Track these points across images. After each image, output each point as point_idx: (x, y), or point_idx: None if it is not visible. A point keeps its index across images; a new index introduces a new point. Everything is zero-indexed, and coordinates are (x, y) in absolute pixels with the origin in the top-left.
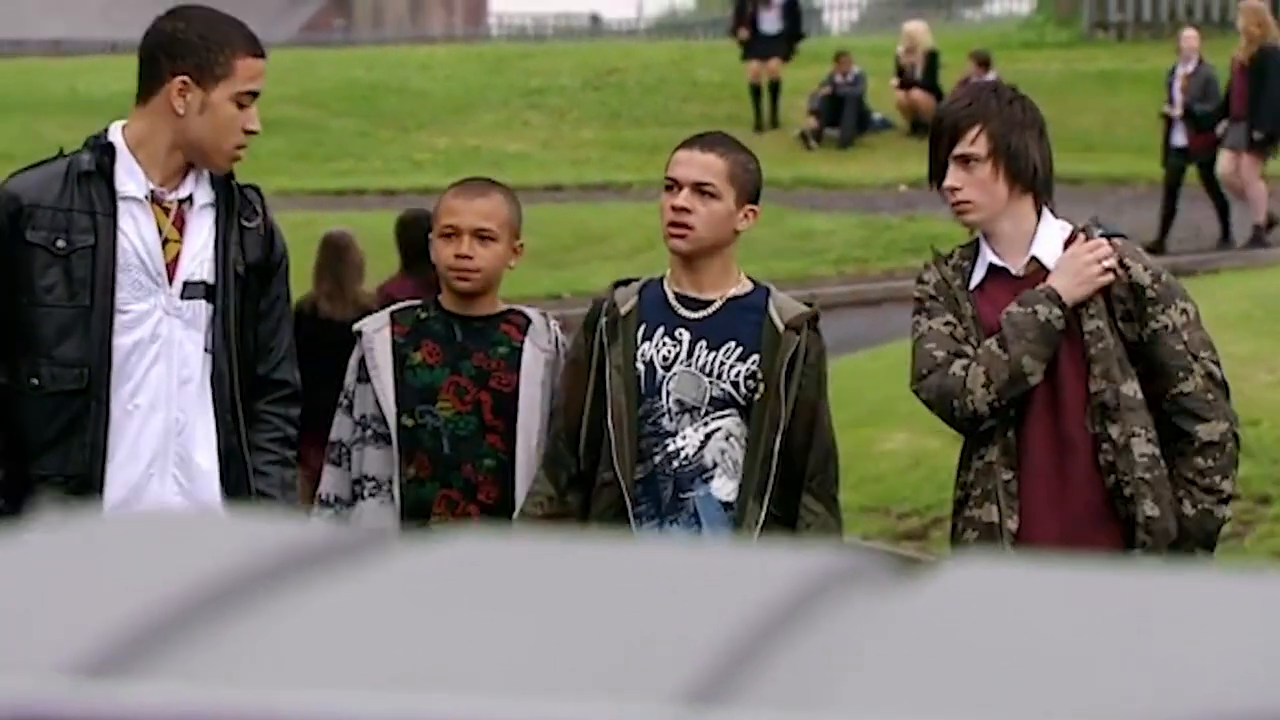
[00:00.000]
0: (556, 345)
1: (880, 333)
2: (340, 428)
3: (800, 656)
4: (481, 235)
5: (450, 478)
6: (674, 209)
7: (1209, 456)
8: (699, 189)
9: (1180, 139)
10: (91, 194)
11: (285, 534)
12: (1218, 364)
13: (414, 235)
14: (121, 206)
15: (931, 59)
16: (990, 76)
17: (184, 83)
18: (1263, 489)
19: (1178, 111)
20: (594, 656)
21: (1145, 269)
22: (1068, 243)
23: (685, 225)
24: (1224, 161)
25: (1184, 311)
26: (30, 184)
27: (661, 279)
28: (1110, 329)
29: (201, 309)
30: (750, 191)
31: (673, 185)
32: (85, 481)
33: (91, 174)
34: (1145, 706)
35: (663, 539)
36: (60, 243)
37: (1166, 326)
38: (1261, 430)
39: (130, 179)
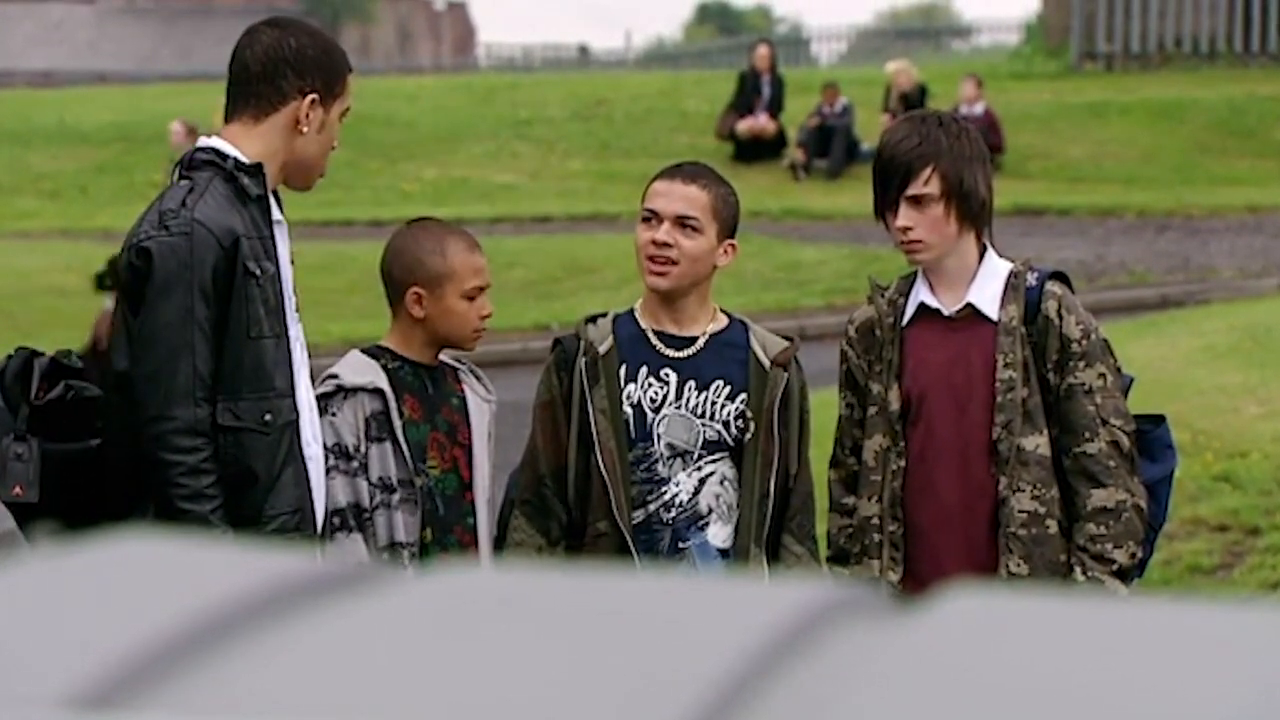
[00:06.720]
0: (490, 391)
1: None
2: (350, 491)
3: (798, 689)
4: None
5: (446, 540)
6: (655, 244)
7: (1101, 523)
8: (681, 222)
9: None
10: (257, 218)
11: (282, 566)
12: (1128, 435)
13: None
14: (276, 229)
15: (921, 92)
16: (980, 104)
17: (314, 100)
18: (1252, 520)
19: None
20: (590, 690)
21: (1077, 323)
22: (1007, 282)
23: (667, 261)
24: None
25: (1102, 375)
26: (222, 212)
27: (630, 313)
28: (1025, 380)
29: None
30: (730, 226)
31: (651, 217)
32: (305, 516)
33: (260, 197)
34: None
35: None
36: (259, 271)
37: (1083, 385)
38: (1250, 462)
39: (273, 200)
